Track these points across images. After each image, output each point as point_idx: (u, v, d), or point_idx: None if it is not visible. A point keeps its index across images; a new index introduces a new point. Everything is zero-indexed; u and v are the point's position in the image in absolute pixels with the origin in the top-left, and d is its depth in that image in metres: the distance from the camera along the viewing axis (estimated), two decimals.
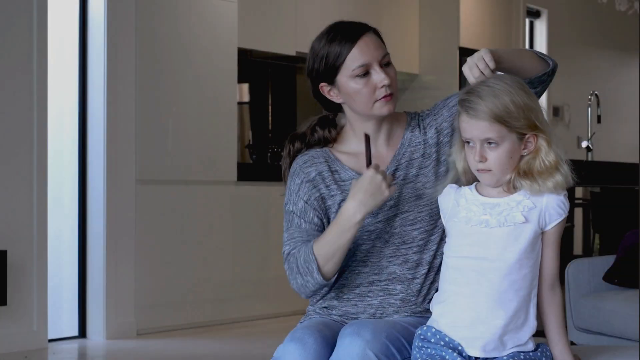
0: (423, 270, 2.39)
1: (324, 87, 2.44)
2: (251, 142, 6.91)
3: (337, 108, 2.49)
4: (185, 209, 5.85)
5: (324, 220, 2.41)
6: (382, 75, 2.36)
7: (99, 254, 5.44)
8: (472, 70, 2.24)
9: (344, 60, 2.37)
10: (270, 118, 7.19)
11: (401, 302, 2.38)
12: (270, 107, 7.20)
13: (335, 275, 2.34)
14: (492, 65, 2.23)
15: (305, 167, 2.43)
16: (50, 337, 5.25)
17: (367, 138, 2.33)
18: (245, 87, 7.01)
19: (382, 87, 2.37)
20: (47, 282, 5.17)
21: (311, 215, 2.40)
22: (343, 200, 2.38)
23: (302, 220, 2.40)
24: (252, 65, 6.92)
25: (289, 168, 2.49)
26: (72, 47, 5.55)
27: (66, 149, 5.56)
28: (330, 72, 2.40)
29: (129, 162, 5.54)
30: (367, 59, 2.36)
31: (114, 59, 5.47)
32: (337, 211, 2.38)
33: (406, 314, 2.38)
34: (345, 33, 2.39)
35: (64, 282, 5.55)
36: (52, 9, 5.45)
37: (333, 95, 2.44)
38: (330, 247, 2.29)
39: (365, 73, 2.36)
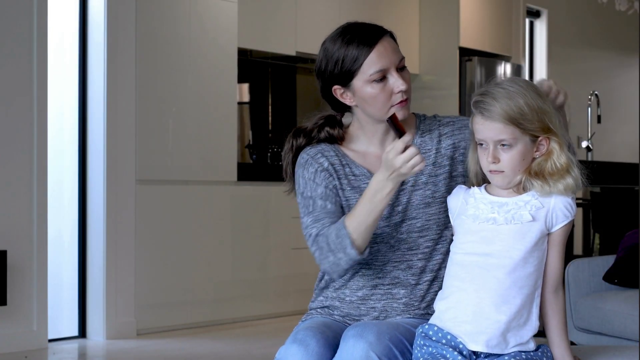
0: (427, 277, 2.39)
1: (337, 90, 2.39)
2: (251, 142, 6.91)
3: (345, 108, 2.46)
4: (185, 209, 5.85)
5: (343, 208, 2.37)
6: (400, 81, 2.33)
7: (99, 254, 5.44)
8: (545, 84, 2.34)
9: (361, 64, 2.33)
10: (270, 118, 7.19)
11: (404, 306, 2.38)
12: (270, 107, 7.20)
13: (368, 250, 2.28)
14: (560, 100, 2.33)
15: (317, 157, 2.40)
16: (50, 337, 5.25)
17: (393, 117, 2.30)
18: (245, 87, 7.01)
19: (398, 92, 2.34)
20: (47, 282, 5.17)
21: (333, 199, 2.36)
22: (353, 195, 2.37)
23: (327, 202, 2.35)
24: (252, 65, 6.92)
25: (292, 163, 2.45)
26: (72, 47, 5.55)
27: (66, 149, 5.56)
28: (345, 76, 2.36)
29: (129, 162, 5.54)
30: (385, 64, 2.33)
31: (114, 59, 5.47)
32: (347, 206, 2.37)
33: (409, 315, 2.38)
34: (362, 36, 2.34)
35: (64, 282, 5.55)
36: (52, 9, 5.45)
37: (346, 98, 2.39)
38: (362, 219, 2.23)
39: (382, 78, 2.33)
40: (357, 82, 2.34)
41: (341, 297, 2.41)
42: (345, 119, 2.50)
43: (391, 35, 2.40)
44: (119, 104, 5.50)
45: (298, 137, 2.47)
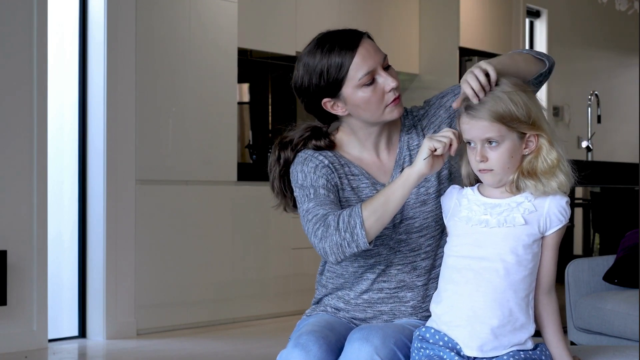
0: (432, 277, 2.38)
1: (327, 103, 2.34)
2: (251, 142, 6.91)
3: (333, 119, 2.40)
4: (185, 209, 5.85)
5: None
6: (390, 79, 2.29)
7: (99, 254, 5.44)
8: (472, 82, 2.11)
9: (347, 71, 2.28)
10: (270, 118, 7.19)
11: (412, 309, 2.38)
12: (270, 107, 7.20)
13: (372, 243, 2.18)
14: (493, 74, 2.11)
15: (316, 155, 2.34)
16: (50, 337, 5.25)
17: None
18: (245, 87, 7.01)
19: (390, 90, 2.29)
20: (47, 282, 5.16)
21: (335, 193, 2.29)
22: (353, 196, 2.32)
23: (330, 193, 2.28)
24: (252, 65, 6.92)
25: (279, 177, 2.40)
26: (72, 47, 5.55)
27: (66, 149, 5.56)
28: (333, 86, 2.30)
29: (129, 162, 5.54)
30: (371, 65, 2.28)
31: (114, 59, 5.47)
32: (347, 207, 2.30)
33: (416, 317, 2.38)
34: (341, 42, 2.30)
35: (64, 282, 5.55)
36: (52, 9, 5.45)
37: (337, 109, 2.34)
38: (378, 205, 2.15)
39: (372, 80, 2.28)
40: (347, 89, 2.30)
41: (345, 299, 2.40)
42: (330, 127, 2.44)
43: (369, 36, 2.34)
44: (119, 104, 5.50)
45: (285, 150, 2.41)
